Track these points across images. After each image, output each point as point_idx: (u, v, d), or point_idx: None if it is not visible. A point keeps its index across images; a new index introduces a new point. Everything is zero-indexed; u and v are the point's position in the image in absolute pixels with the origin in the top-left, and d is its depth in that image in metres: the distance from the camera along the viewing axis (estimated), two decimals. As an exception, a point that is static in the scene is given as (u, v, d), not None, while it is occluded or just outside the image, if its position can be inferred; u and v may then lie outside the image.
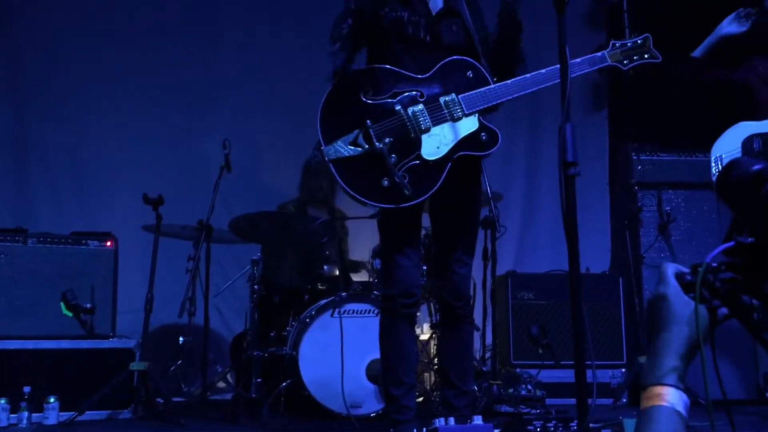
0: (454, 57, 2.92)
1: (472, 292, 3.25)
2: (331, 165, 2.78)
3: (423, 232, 3.71)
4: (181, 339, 4.79)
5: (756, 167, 1.18)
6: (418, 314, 3.69)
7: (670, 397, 1.17)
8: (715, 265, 1.20)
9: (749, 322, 1.22)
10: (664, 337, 1.22)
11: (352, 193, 2.79)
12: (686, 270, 1.26)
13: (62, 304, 4.09)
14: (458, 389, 3.09)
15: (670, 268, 1.27)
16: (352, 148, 2.78)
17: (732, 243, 1.17)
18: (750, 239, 1.14)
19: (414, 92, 2.87)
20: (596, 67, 2.94)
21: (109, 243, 4.27)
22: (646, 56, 2.98)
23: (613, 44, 2.98)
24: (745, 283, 1.17)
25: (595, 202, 5.90)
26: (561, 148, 2.29)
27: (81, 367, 3.97)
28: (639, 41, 2.98)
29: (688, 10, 5.42)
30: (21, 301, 4.03)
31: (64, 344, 4.00)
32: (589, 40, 6.12)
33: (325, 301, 4.09)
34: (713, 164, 3.83)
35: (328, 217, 4.88)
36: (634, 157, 4.81)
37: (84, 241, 4.23)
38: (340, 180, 2.78)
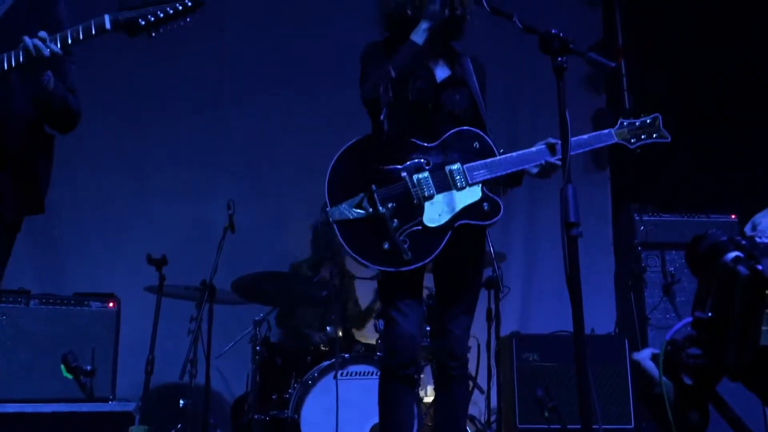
0: (462, 128, 2.99)
1: (475, 354, 3.22)
2: (335, 226, 2.83)
3: (426, 292, 3.71)
4: (181, 402, 4.71)
5: (721, 239, 1.18)
6: (422, 376, 3.65)
7: None
8: (679, 340, 1.19)
9: (712, 397, 1.21)
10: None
11: (353, 254, 2.84)
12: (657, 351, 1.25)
13: (63, 366, 4.05)
14: None
15: (645, 353, 1.27)
16: (356, 210, 2.83)
17: (690, 319, 1.17)
18: (708, 314, 1.14)
19: (421, 160, 2.93)
20: (602, 145, 2.98)
21: (111, 304, 4.26)
22: (654, 136, 2.99)
23: (621, 122, 3.00)
24: (707, 357, 1.16)
25: (598, 262, 5.87)
26: (563, 208, 2.30)
27: (81, 431, 3.91)
28: (648, 120, 3.00)
29: (687, 77, 5.52)
30: (21, 364, 3.99)
31: (64, 407, 3.94)
32: (589, 102, 6.22)
33: (327, 363, 4.05)
34: (748, 225, 3.78)
35: (326, 275, 4.86)
36: (637, 218, 4.82)
37: (86, 303, 4.21)
38: (342, 241, 2.83)
